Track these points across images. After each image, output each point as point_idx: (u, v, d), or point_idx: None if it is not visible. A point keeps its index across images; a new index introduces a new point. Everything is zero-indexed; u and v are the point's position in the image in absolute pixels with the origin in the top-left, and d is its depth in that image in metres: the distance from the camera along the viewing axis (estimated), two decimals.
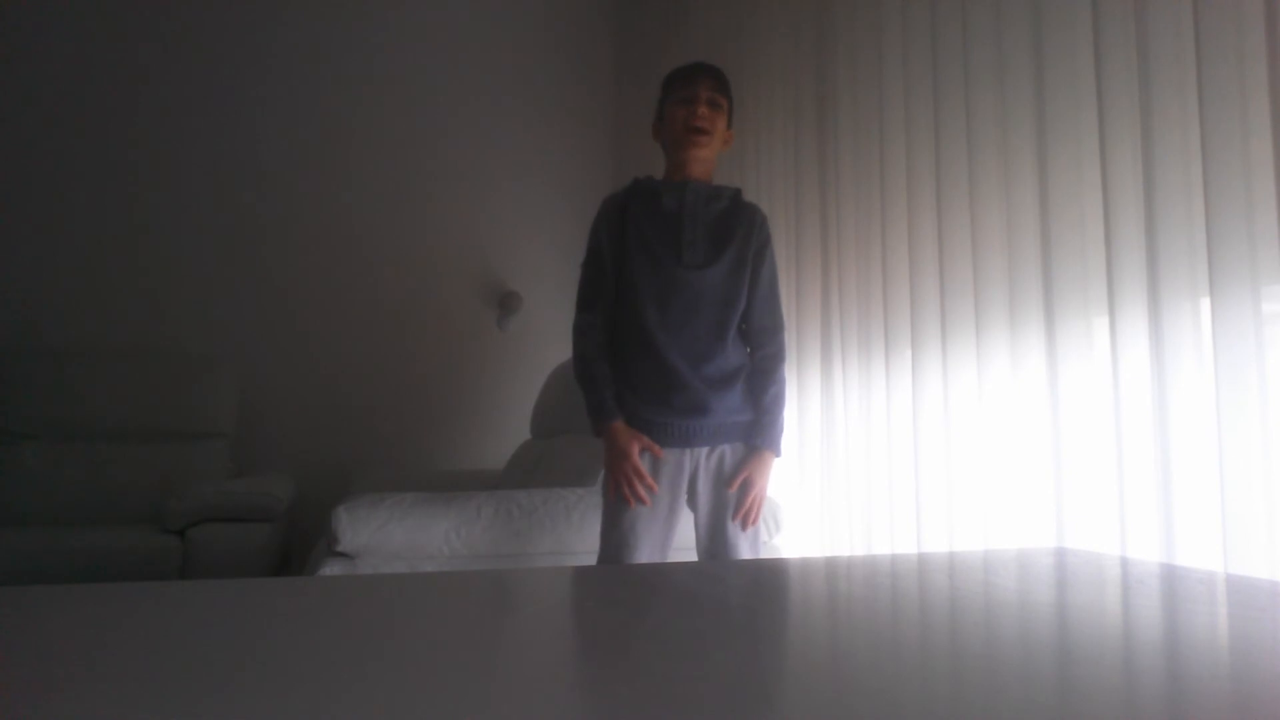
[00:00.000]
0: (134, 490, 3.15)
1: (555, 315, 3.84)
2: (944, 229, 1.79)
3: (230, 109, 3.69)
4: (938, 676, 0.46)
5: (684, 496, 1.77)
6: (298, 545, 3.31)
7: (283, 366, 3.67)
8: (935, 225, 1.81)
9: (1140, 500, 1.33)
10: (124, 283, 3.54)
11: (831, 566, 0.85)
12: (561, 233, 3.97)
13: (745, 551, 1.76)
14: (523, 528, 2.01)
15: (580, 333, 1.80)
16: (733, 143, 1.90)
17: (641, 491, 1.69)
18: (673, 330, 1.73)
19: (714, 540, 1.76)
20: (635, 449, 1.71)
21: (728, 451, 1.77)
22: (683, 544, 1.82)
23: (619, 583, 0.72)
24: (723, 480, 1.76)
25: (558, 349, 3.39)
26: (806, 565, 0.83)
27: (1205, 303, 1.23)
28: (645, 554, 1.71)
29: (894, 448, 1.94)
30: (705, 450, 1.76)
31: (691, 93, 1.77)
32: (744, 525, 1.75)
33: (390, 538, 1.92)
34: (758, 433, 1.77)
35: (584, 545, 2.00)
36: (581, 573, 0.89)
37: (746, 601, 0.66)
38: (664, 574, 0.78)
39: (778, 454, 1.80)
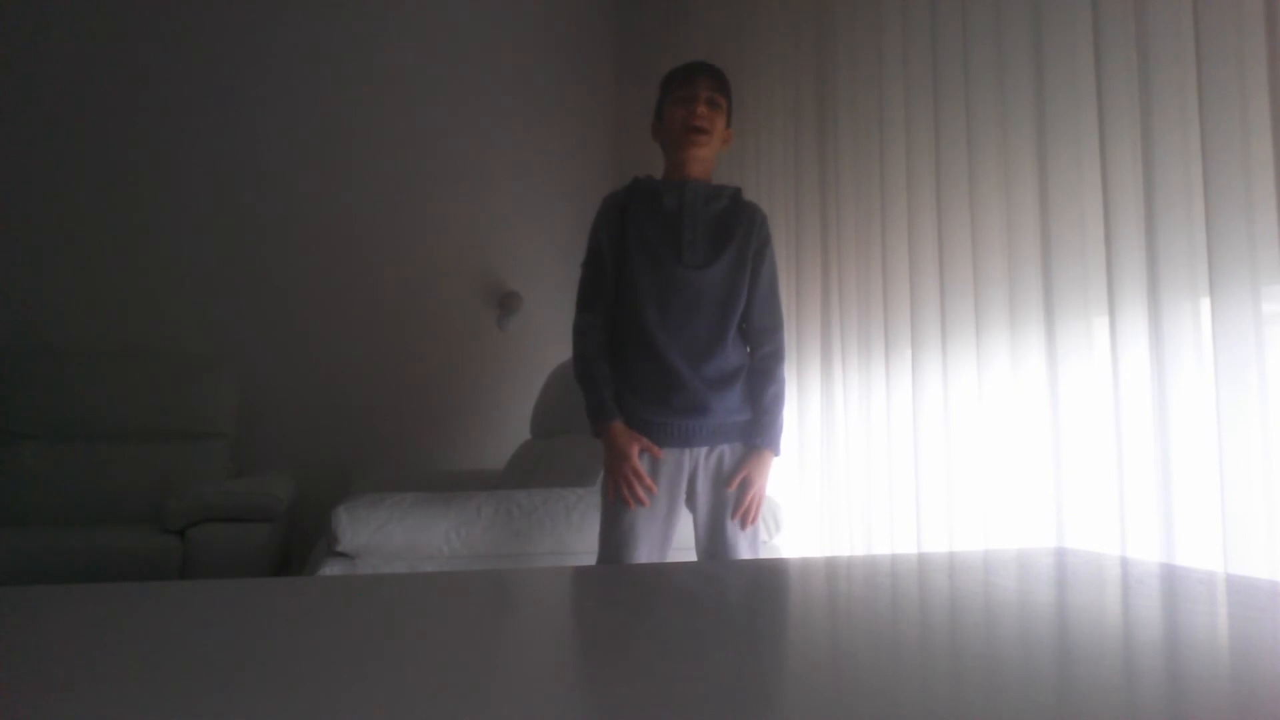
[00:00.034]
0: (134, 490, 3.15)
1: (555, 315, 3.84)
2: (944, 229, 1.79)
3: (230, 109, 3.69)
4: (938, 676, 0.46)
5: (683, 496, 1.77)
6: (298, 545, 3.31)
7: (283, 366, 3.67)
8: (935, 225, 1.81)
9: (1140, 500, 1.33)
10: (124, 283, 3.54)
11: (831, 566, 0.85)
12: (561, 233, 3.97)
13: (744, 551, 1.76)
14: (523, 528, 2.01)
15: (580, 333, 1.80)
16: (732, 142, 1.90)
17: (640, 493, 1.69)
18: (673, 330, 1.73)
19: (713, 540, 1.76)
20: (634, 450, 1.71)
21: (727, 451, 1.77)
22: (682, 544, 1.82)
23: (619, 583, 0.72)
24: (722, 480, 1.76)
25: (558, 349, 3.40)
26: (806, 565, 0.83)
27: (1205, 303, 1.23)
28: (644, 554, 1.71)
29: (894, 448, 1.94)
30: (704, 450, 1.76)
31: (690, 92, 1.77)
32: (743, 524, 1.75)
33: (390, 538, 1.92)
34: (757, 432, 1.77)
35: (584, 545, 2.00)
36: (581, 573, 0.89)
37: (746, 601, 0.66)
38: (664, 574, 0.78)
39: (777, 453, 1.80)
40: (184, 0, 3.67)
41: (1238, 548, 1.16)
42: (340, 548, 1.91)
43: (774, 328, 1.83)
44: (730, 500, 1.75)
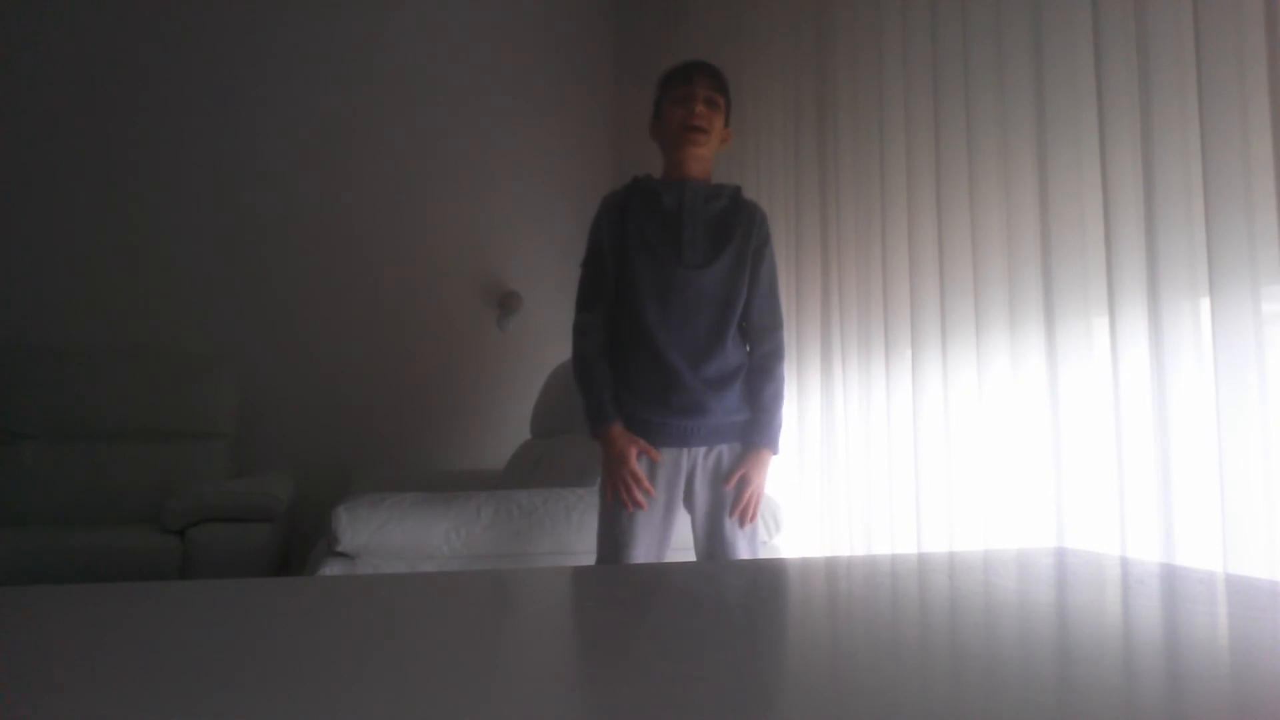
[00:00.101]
0: (134, 490, 3.15)
1: (555, 315, 3.84)
2: (944, 229, 1.78)
3: (230, 109, 3.69)
4: (938, 676, 0.46)
5: (681, 496, 1.77)
6: (298, 545, 3.31)
7: (283, 366, 3.67)
8: (935, 225, 1.81)
9: (1140, 500, 1.33)
10: (124, 283, 3.54)
11: (831, 566, 0.85)
12: (561, 233, 3.97)
13: (743, 551, 1.75)
14: (523, 528, 2.01)
15: (580, 333, 1.80)
16: (730, 141, 1.90)
17: (639, 496, 1.69)
18: (673, 329, 1.73)
19: (712, 540, 1.75)
20: (633, 454, 1.70)
21: (725, 451, 1.77)
22: (681, 544, 1.82)
23: (619, 583, 0.72)
24: (720, 480, 1.76)
25: (558, 349, 3.39)
26: (806, 565, 0.83)
27: (1205, 303, 1.23)
28: (642, 555, 1.71)
29: (894, 448, 1.94)
30: (703, 450, 1.76)
31: (688, 91, 1.77)
32: (741, 522, 1.75)
33: (390, 538, 1.92)
34: (755, 430, 1.77)
35: (584, 545, 2.00)
36: (581, 573, 0.89)
37: (746, 601, 0.66)
38: (663, 574, 0.78)
39: (776, 452, 1.80)
40: (184, 0, 3.67)
41: (1238, 548, 1.16)
42: (340, 548, 1.91)
43: (773, 327, 1.83)
44: (728, 499, 1.74)
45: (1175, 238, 1.28)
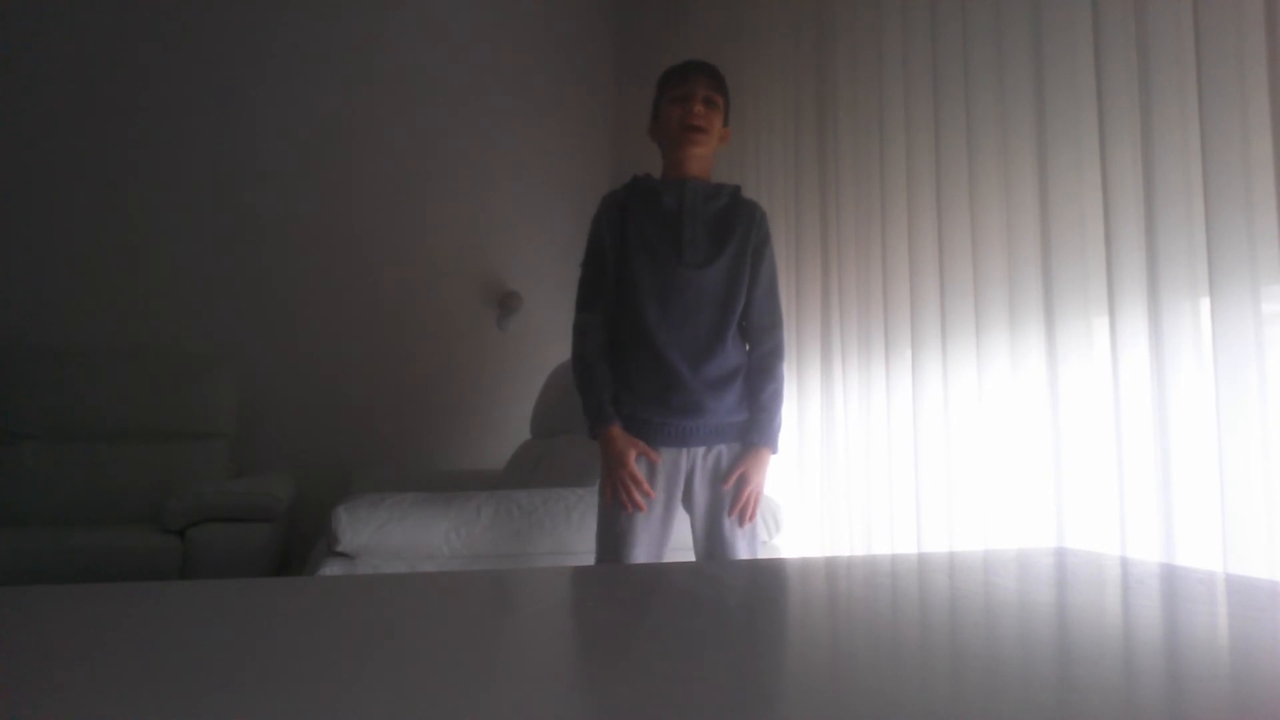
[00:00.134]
0: (134, 490, 3.15)
1: (555, 315, 3.84)
2: (944, 229, 1.78)
3: (230, 109, 3.69)
4: (938, 676, 0.46)
5: (680, 497, 1.77)
6: (298, 545, 3.31)
7: (283, 366, 3.67)
8: (935, 225, 1.81)
9: (1140, 500, 1.33)
10: (124, 283, 3.54)
11: (831, 566, 0.85)
12: (561, 233, 3.97)
13: (743, 551, 1.75)
14: (523, 528, 2.01)
15: (581, 332, 1.80)
16: (729, 140, 1.90)
17: (638, 498, 1.69)
18: (673, 329, 1.73)
19: (711, 540, 1.75)
20: (631, 456, 1.70)
21: (724, 451, 1.77)
22: (681, 544, 1.82)
23: (619, 583, 0.72)
24: (720, 480, 1.75)
25: (558, 349, 3.39)
26: (806, 565, 0.83)
27: (1205, 303, 1.23)
28: (642, 555, 1.71)
29: (894, 448, 1.94)
30: (702, 450, 1.76)
31: (687, 91, 1.77)
32: (740, 521, 1.74)
33: (390, 538, 1.92)
34: (755, 429, 1.77)
35: (584, 545, 2.00)
36: (581, 573, 0.89)
37: (746, 601, 0.66)
38: (663, 574, 0.78)
39: (775, 451, 1.79)
40: (184, 0, 3.67)
41: (1238, 548, 1.16)
42: (340, 548, 1.91)
43: (773, 326, 1.83)
44: (728, 499, 1.74)
45: (1175, 238, 1.28)
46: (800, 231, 2.40)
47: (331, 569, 1.91)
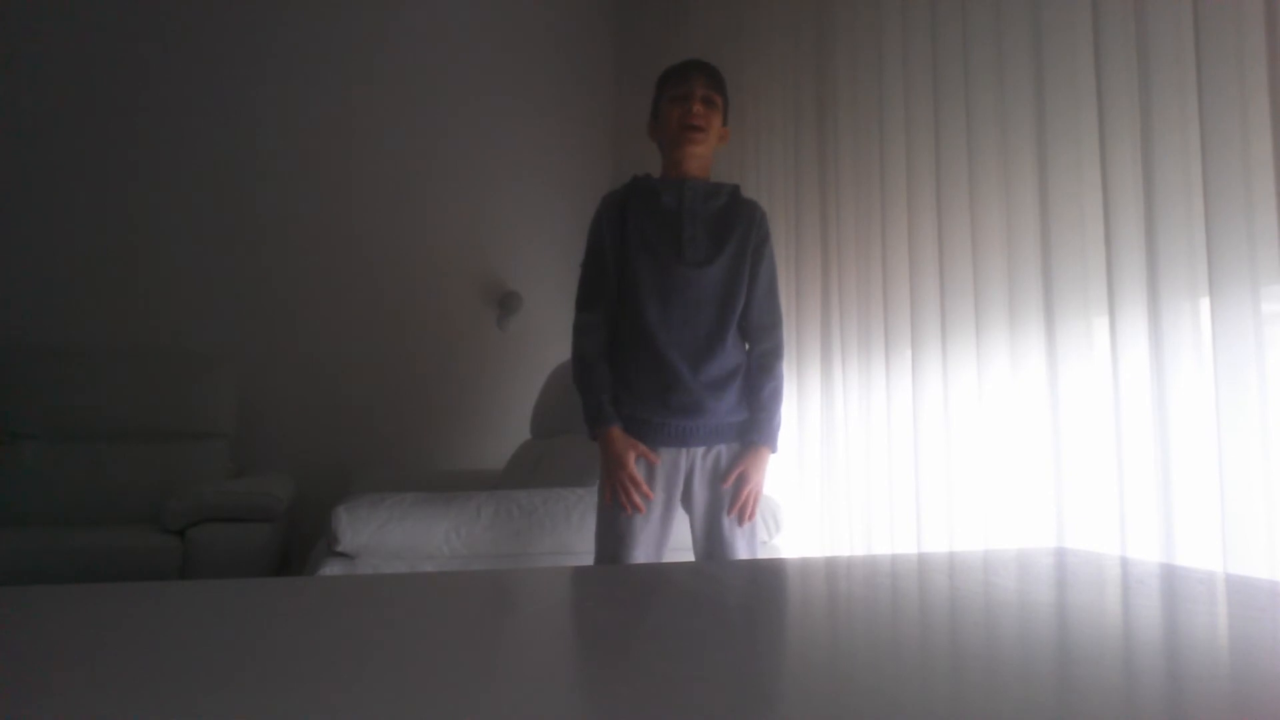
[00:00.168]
0: (134, 490, 3.15)
1: (555, 315, 3.84)
2: (944, 229, 1.78)
3: (230, 109, 3.69)
4: (938, 676, 0.46)
5: (679, 497, 1.77)
6: (298, 545, 3.31)
7: (283, 366, 3.67)
8: (935, 225, 1.81)
9: (1140, 500, 1.33)
10: (124, 283, 3.54)
11: (831, 566, 0.85)
12: (561, 233, 3.97)
13: (743, 551, 1.75)
14: (523, 528, 2.01)
15: (581, 332, 1.80)
16: (729, 139, 1.90)
17: (637, 500, 1.69)
18: (674, 328, 1.73)
19: (710, 540, 1.75)
20: (631, 458, 1.70)
21: (724, 451, 1.77)
22: (680, 544, 1.82)
23: (619, 583, 0.72)
24: (719, 479, 1.75)
25: (558, 349, 3.39)
26: (806, 565, 0.83)
27: (1205, 303, 1.23)
28: (641, 556, 1.71)
29: (894, 448, 1.94)
30: (701, 450, 1.76)
31: (686, 90, 1.77)
32: (740, 520, 1.74)
33: (390, 538, 1.92)
34: (754, 428, 1.77)
35: (584, 545, 2.00)
36: (581, 573, 0.89)
37: (746, 601, 0.66)
38: (663, 574, 0.77)
39: (774, 450, 1.79)
40: (184, 0, 3.67)
41: (1238, 548, 1.16)
42: (340, 548, 1.91)
43: (773, 325, 1.83)
44: (727, 497, 1.74)
45: (1175, 238, 1.28)
46: (800, 231, 2.40)
47: (331, 569, 1.91)
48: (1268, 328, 1.16)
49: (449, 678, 0.43)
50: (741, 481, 1.74)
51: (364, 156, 3.83)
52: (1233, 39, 1.20)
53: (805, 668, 0.48)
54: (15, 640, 0.50)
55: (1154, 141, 1.30)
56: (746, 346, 1.83)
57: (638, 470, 1.71)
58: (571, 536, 2.03)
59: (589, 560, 1.93)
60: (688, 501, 1.77)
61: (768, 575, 0.77)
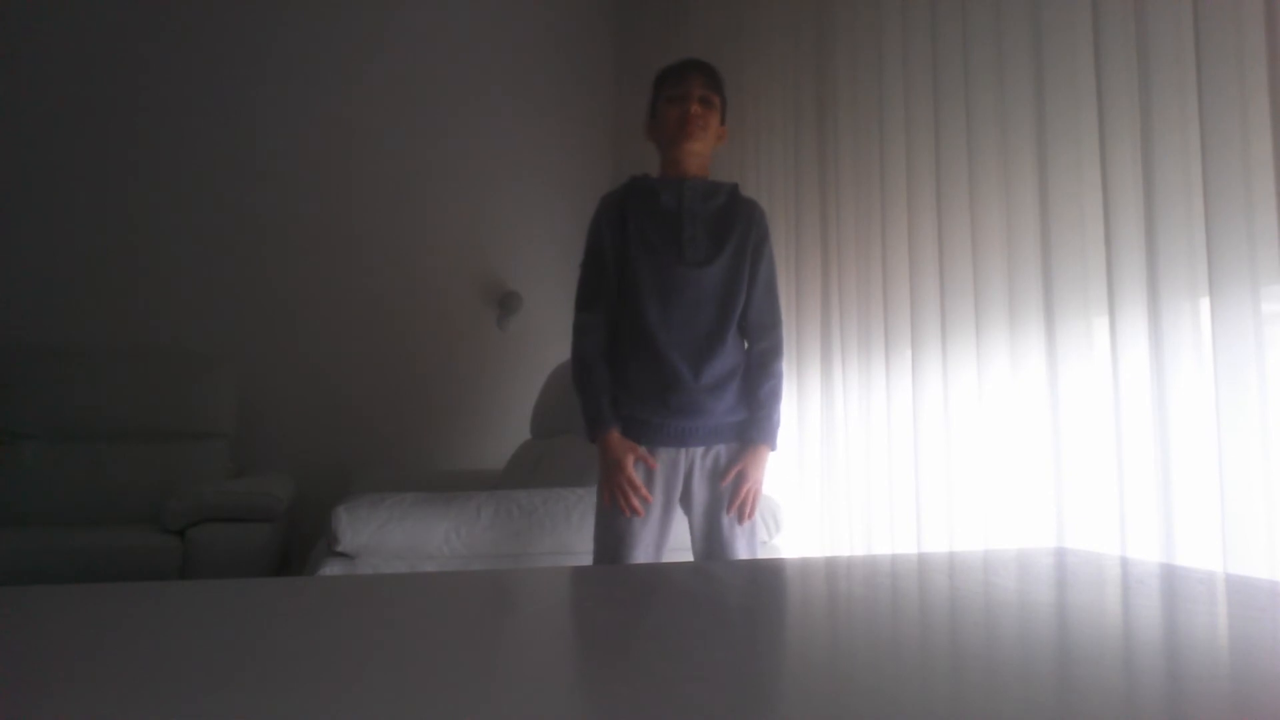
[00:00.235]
0: (134, 490, 3.15)
1: (555, 315, 3.84)
2: (944, 229, 1.78)
3: (230, 109, 3.69)
4: (938, 676, 0.46)
5: (679, 497, 1.76)
6: (298, 545, 3.31)
7: (283, 366, 3.67)
8: (935, 225, 1.81)
9: (1140, 500, 1.33)
10: (124, 283, 3.54)
11: (831, 566, 0.85)
12: (561, 233, 3.97)
13: (742, 551, 1.75)
14: (523, 528, 2.01)
15: (581, 332, 1.80)
16: (727, 139, 1.90)
17: (636, 503, 1.69)
18: (674, 328, 1.73)
19: (710, 540, 1.75)
20: (630, 460, 1.70)
21: (723, 451, 1.77)
22: (679, 544, 1.81)
23: (619, 583, 0.72)
24: (718, 479, 1.75)
25: (558, 349, 3.39)
26: (806, 565, 0.83)
27: (1205, 303, 1.23)
28: (640, 557, 1.71)
29: (894, 448, 1.94)
30: (700, 450, 1.76)
31: (683, 90, 1.77)
32: (740, 519, 1.74)
33: (390, 538, 1.92)
34: (753, 427, 1.77)
35: (584, 545, 2.00)
36: (581, 573, 0.89)
37: (746, 601, 0.66)
38: (663, 574, 0.77)
39: (773, 449, 1.79)
40: (184, 0, 3.67)
41: (1238, 548, 1.16)
42: (340, 548, 1.91)
43: (772, 324, 1.83)
44: (726, 496, 1.74)
45: (1175, 238, 1.28)
46: (800, 231, 2.40)
47: (331, 569, 1.91)
48: (1268, 328, 1.16)
49: (449, 678, 0.43)
50: (740, 479, 1.74)
51: (364, 156, 3.83)
52: (1233, 39, 1.20)
53: (805, 668, 0.48)
54: (15, 640, 0.50)
55: (1154, 141, 1.30)
56: (745, 346, 1.83)
57: (636, 473, 1.71)
58: (571, 536, 2.03)
59: (589, 560, 1.93)
60: (686, 502, 1.77)
61: (768, 575, 0.77)
